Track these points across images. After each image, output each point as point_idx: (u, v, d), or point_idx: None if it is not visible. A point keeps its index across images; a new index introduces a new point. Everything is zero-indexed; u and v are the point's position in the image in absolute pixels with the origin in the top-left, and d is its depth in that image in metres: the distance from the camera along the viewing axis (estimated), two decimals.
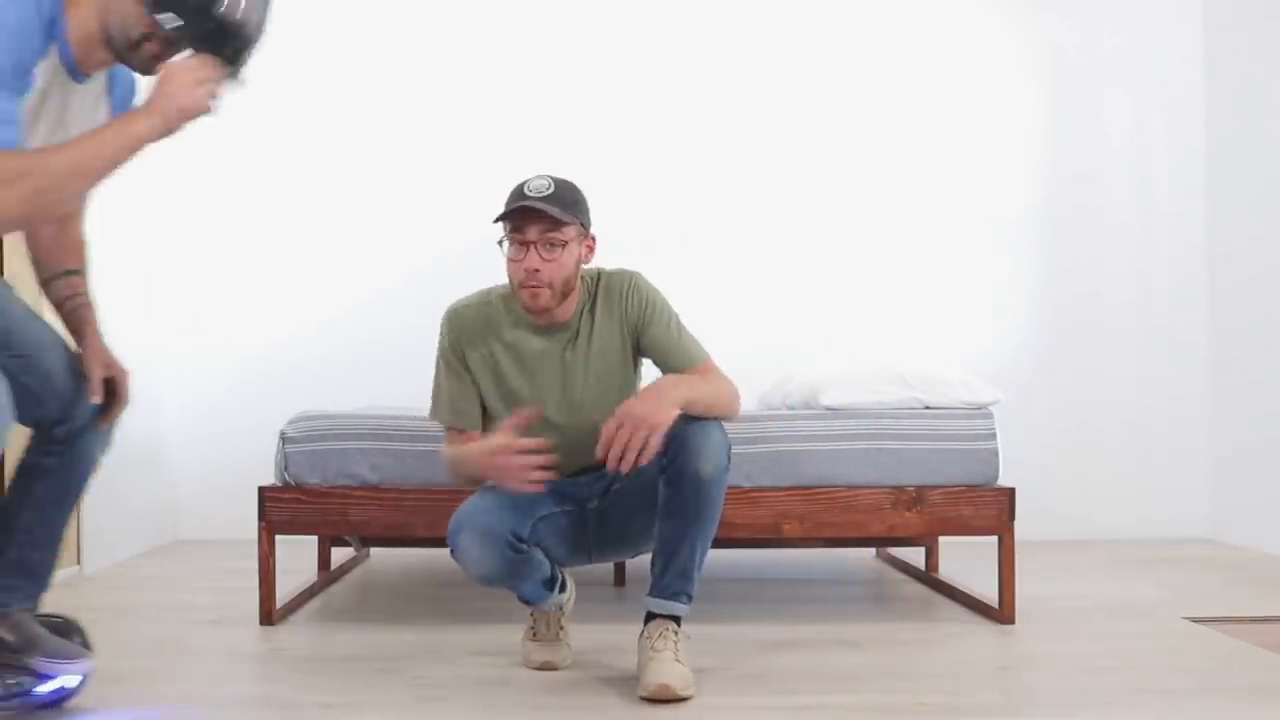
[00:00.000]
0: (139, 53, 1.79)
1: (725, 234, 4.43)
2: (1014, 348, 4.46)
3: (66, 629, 2.05)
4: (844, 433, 2.80)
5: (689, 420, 2.12)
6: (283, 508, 2.74)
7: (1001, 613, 2.77)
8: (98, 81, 1.92)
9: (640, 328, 2.28)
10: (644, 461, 2.05)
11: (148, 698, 2.13)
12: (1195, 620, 2.80)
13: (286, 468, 2.76)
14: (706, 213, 4.45)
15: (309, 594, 3.13)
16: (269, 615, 2.75)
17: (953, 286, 4.50)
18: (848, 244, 4.47)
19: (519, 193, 2.18)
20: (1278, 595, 3.21)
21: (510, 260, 2.21)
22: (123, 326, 3.93)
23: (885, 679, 2.26)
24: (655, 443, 2.04)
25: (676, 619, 2.17)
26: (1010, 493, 2.77)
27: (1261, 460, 4.16)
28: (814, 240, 4.47)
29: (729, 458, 2.16)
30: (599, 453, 2.06)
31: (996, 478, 2.81)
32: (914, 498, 2.76)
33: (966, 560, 3.40)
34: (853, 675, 2.29)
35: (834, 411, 2.88)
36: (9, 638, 1.95)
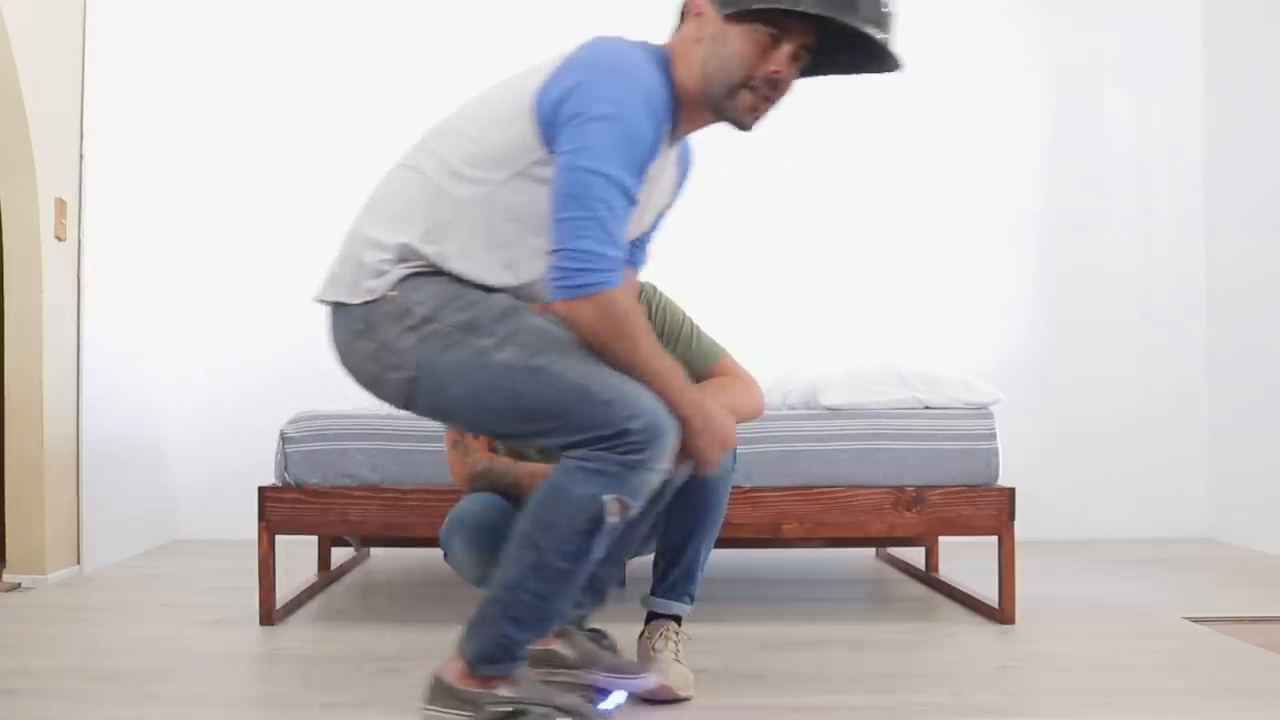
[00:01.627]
0: (735, 101, 1.73)
1: (725, 234, 4.43)
2: (1014, 348, 4.46)
3: (598, 639, 2.04)
4: (844, 433, 2.80)
5: None
6: (283, 508, 2.74)
7: (1001, 613, 2.77)
8: (676, 146, 1.91)
9: (663, 341, 2.26)
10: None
11: (147, 698, 2.12)
12: (1195, 620, 2.80)
13: (286, 468, 2.76)
14: (707, 213, 4.45)
15: (309, 594, 3.13)
16: (269, 615, 2.75)
17: (953, 287, 4.50)
18: (848, 244, 4.47)
19: None
20: (1278, 595, 3.21)
21: None
22: (123, 326, 3.94)
23: (885, 679, 2.26)
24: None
25: (677, 619, 2.18)
26: (1010, 493, 2.77)
27: (1260, 460, 4.16)
28: (814, 240, 4.47)
29: (735, 458, 2.16)
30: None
31: (996, 478, 2.81)
32: (914, 498, 2.76)
33: (966, 560, 3.40)
34: (853, 675, 2.29)
35: (834, 411, 2.88)
36: (570, 654, 1.94)
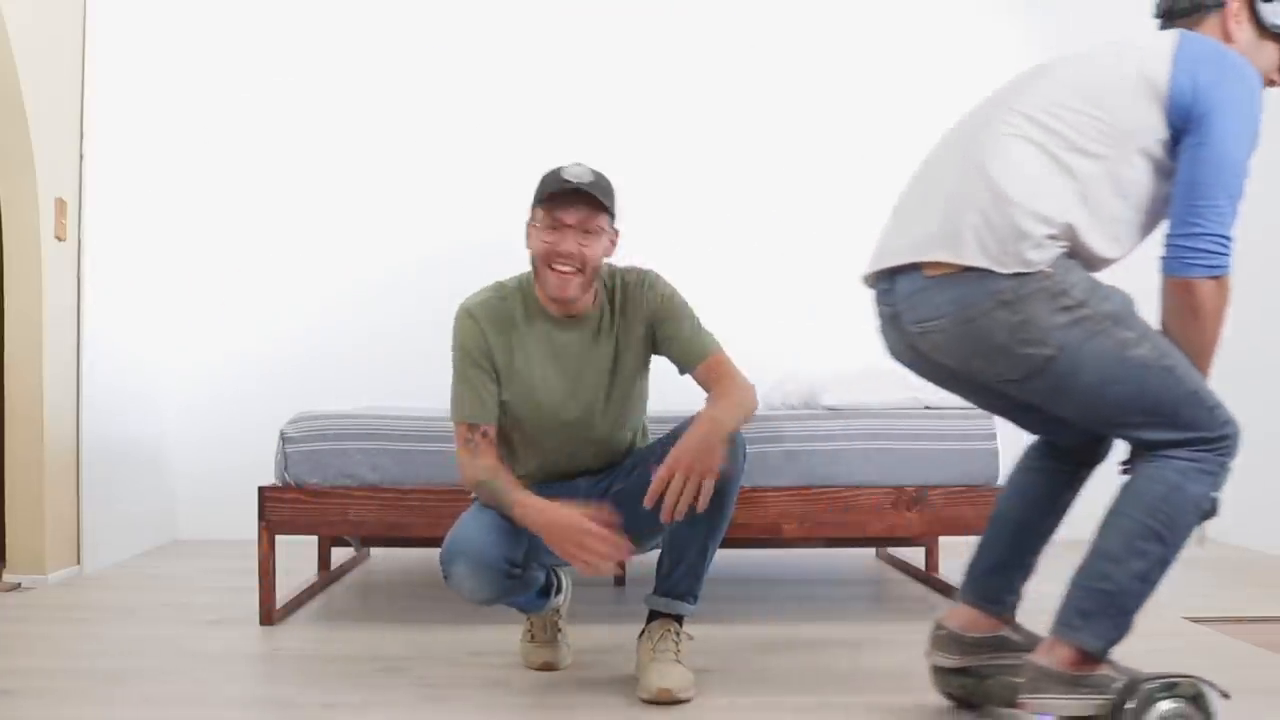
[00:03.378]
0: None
1: (725, 233, 4.43)
2: None
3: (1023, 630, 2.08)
4: (844, 433, 2.80)
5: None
6: (283, 508, 2.74)
7: None
8: None
9: (659, 321, 2.24)
10: (700, 508, 1.99)
11: (147, 698, 2.13)
12: (1195, 620, 2.80)
13: (286, 468, 2.76)
14: (706, 211, 4.46)
15: (309, 594, 3.13)
16: (269, 615, 2.75)
17: None
18: (849, 244, 4.46)
19: (558, 177, 2.15)
20: (1278, 595, 3.21)
21: (543, 241, 2.15)
22: (123, 326, 3.94)
23: (885, 679, 2.26)
24: (709, 488, 1.98)
25: (679, 619, 2.17)
26: None
27: (1261, 460, 4.16)
28: (814, 239, 4.47)
29: (745, 458, 2.15)
30: (648, 501, 1.98)
31: (997, 478, 2.81)
32: (914, 498, 2.76)
33: (966, 560, 3.39)
34: (853, 675, 2.29)
35: (834, 411, 2.88)
36: (1018, 638, 2.02)
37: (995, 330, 1.76)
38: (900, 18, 4.56)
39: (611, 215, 2.20)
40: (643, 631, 2.18)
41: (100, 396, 3.67)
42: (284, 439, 2.78)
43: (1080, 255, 1.79)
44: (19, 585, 3.27)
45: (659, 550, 2.22)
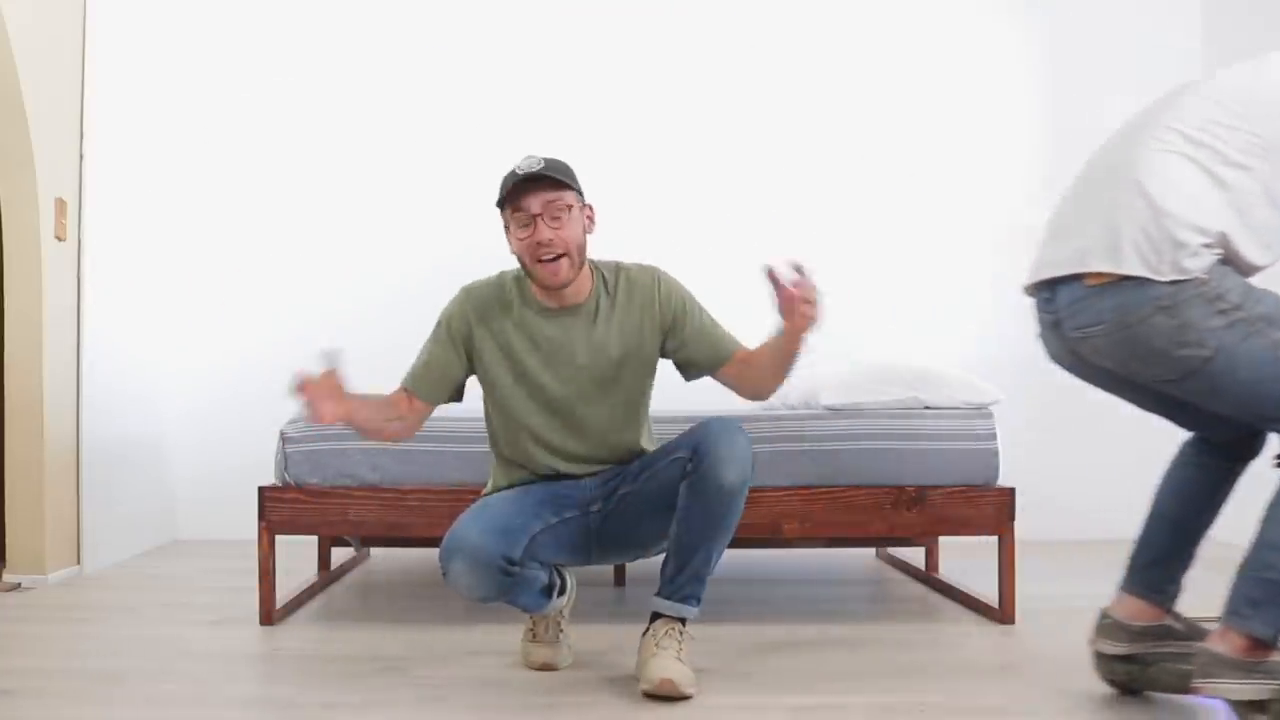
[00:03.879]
0: None
1: (723, 233, 4.43)
2: (1014, 347, 4.45)
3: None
4: (844, 433, 2.80)
5: (715, 423, 2.15)
6: (283, 508, 2.74)
7: (1001, 613, 2.77)
8: None
9: (679, 319, 2.28)
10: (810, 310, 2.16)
11: (147, 698, 2.13)
12: (1197, 620, 2.80)
13: (286, 468, 2.76)
14: (705, 211, 4.45)
15: (309, 594, 3.13)
16: (269, 615, 2.75)
17: (953, 286, 4.49)
18: (847, 243, 4.47)
19: (511, 174, 2.18)
20: None
21: (519, 240, 2.18)
22: (123, 326, 3.94)
23: (885, 679, 2.26)
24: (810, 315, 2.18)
25: (682, 621, 2.17)
26: (1010, 493, 2.77)
27: (1259, 459, 4.16)
28: (813, 239, 4.46)
29: (753, 466, 2.15)
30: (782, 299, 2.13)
31: (996, 478, 2.81)
32: (914, 498, 2.76)
33: (966, 560, 3.40)
34: (853, 675, 2.29)
35: (834, 411, 2.88)
36: (1180, 626, 2.10)
37: (1154, 334, 1.85)
38: (899, 17, 4.55)
39: (578, 191, 2.21)
40: (646, 630, 2.18)
41: (100, 396, 3.67)
42: (284, 439, 2.78)
43: (1233, 262, 1.87)
44: (19, 585, 3.27)
45: (664, 553, 2.22)
